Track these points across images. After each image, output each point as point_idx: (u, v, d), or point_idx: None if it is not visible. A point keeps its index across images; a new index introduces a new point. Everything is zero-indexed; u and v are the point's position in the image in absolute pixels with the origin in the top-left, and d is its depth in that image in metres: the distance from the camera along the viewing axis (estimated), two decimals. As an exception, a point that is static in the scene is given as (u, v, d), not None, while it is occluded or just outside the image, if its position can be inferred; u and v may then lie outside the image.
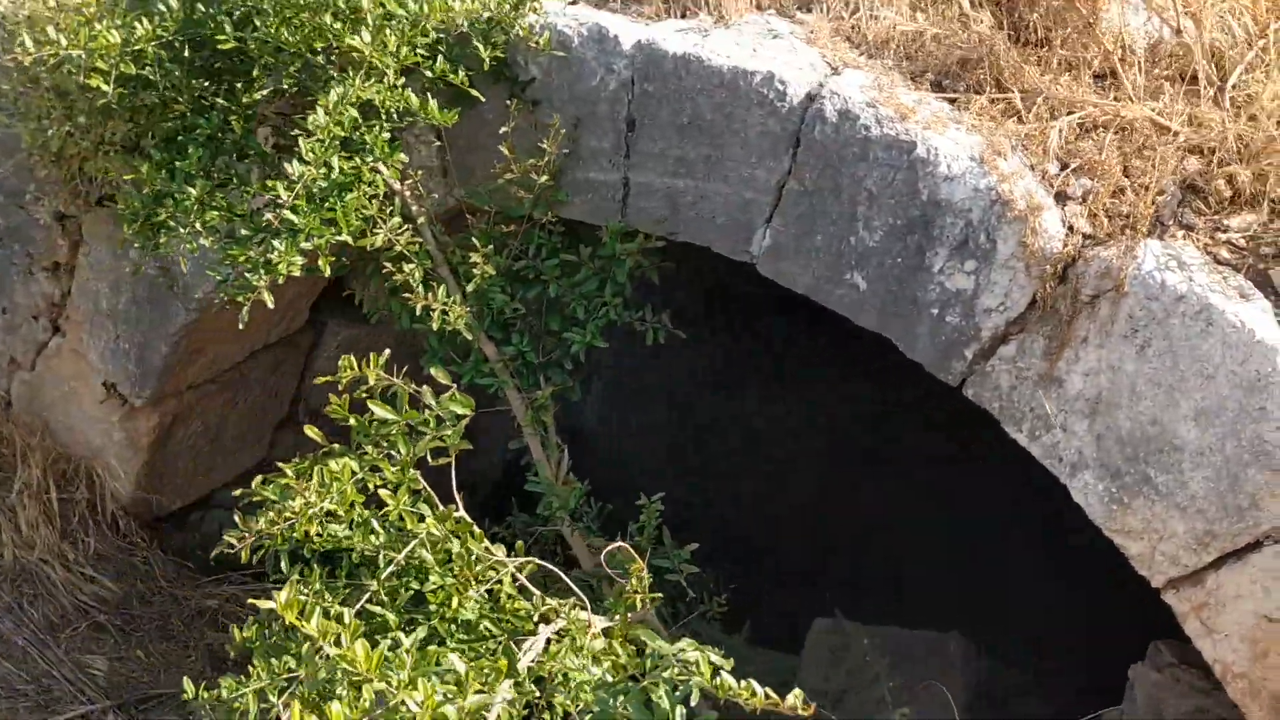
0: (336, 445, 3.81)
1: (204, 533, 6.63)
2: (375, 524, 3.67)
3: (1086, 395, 4.00)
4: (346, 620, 3.16)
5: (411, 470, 3.70)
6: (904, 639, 7.84)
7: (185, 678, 3.44)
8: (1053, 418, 4.05)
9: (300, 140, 3.98)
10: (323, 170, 3.97)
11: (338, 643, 2.81)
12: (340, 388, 3.85)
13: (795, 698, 2.49)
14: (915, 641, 7.41)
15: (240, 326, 4.24)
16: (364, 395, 3.84)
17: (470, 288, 4.47)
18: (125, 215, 4.28)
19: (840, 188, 4.15)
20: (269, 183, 3.99)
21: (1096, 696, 5.05)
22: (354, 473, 3.62)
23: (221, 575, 6.24)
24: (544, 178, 4.42)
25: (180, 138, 4.34)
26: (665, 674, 2.55)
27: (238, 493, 4.04)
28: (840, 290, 4.23)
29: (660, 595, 4.06)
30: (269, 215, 4.13)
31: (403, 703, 2.66)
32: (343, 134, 4.03)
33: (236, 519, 3.96)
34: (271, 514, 3.57)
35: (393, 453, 3.71)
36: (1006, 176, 3.98)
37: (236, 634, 3.65)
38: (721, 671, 2.55)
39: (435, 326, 4.40)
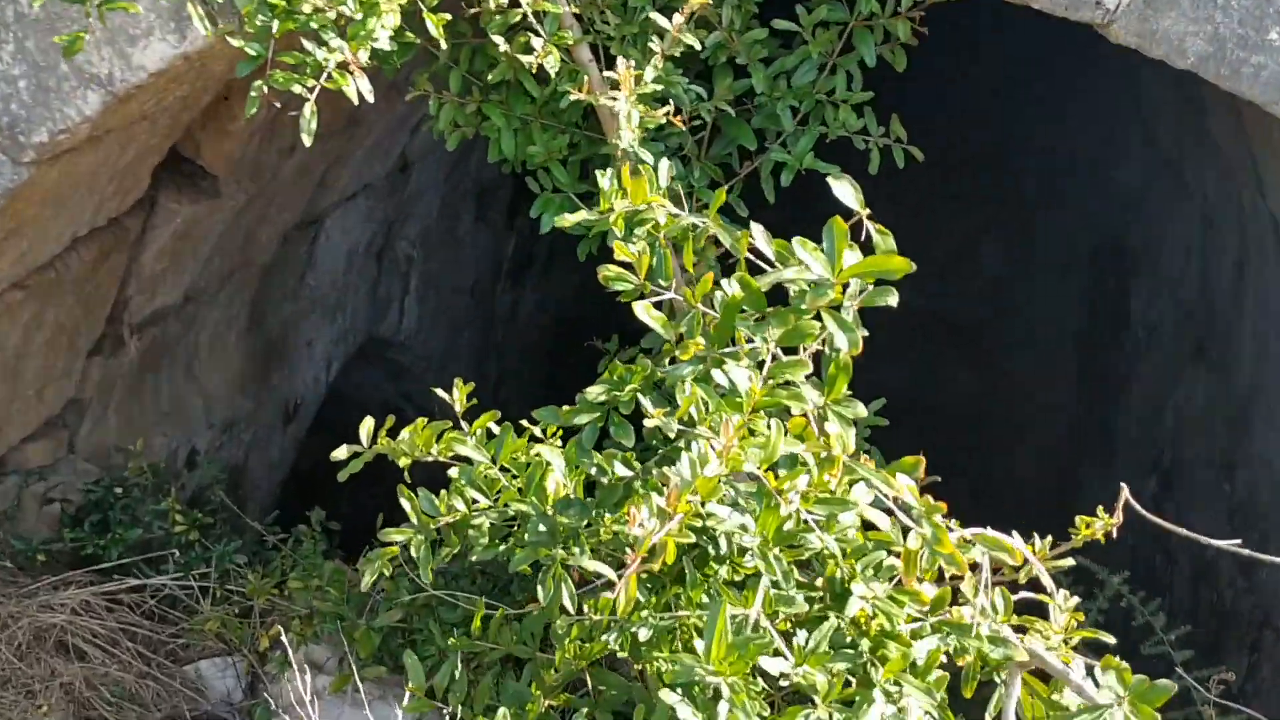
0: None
1: (3, 509, 4.21)
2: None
3: None
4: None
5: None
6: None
7: None
8: None
9: None
10: None
11: None
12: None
13: None
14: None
15: (306, 139, 2.08)
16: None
17: (650, 75, 2.45)
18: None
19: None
20: None
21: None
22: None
23: (57, 576, 3.89)
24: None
25: None
26: None
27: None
28: (1256, 59, 2.57)
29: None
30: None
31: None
32: None
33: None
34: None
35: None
36: None
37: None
38: None
39: (624, 143, 2.37)
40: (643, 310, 1.79)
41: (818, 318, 1.70)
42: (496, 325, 8.25)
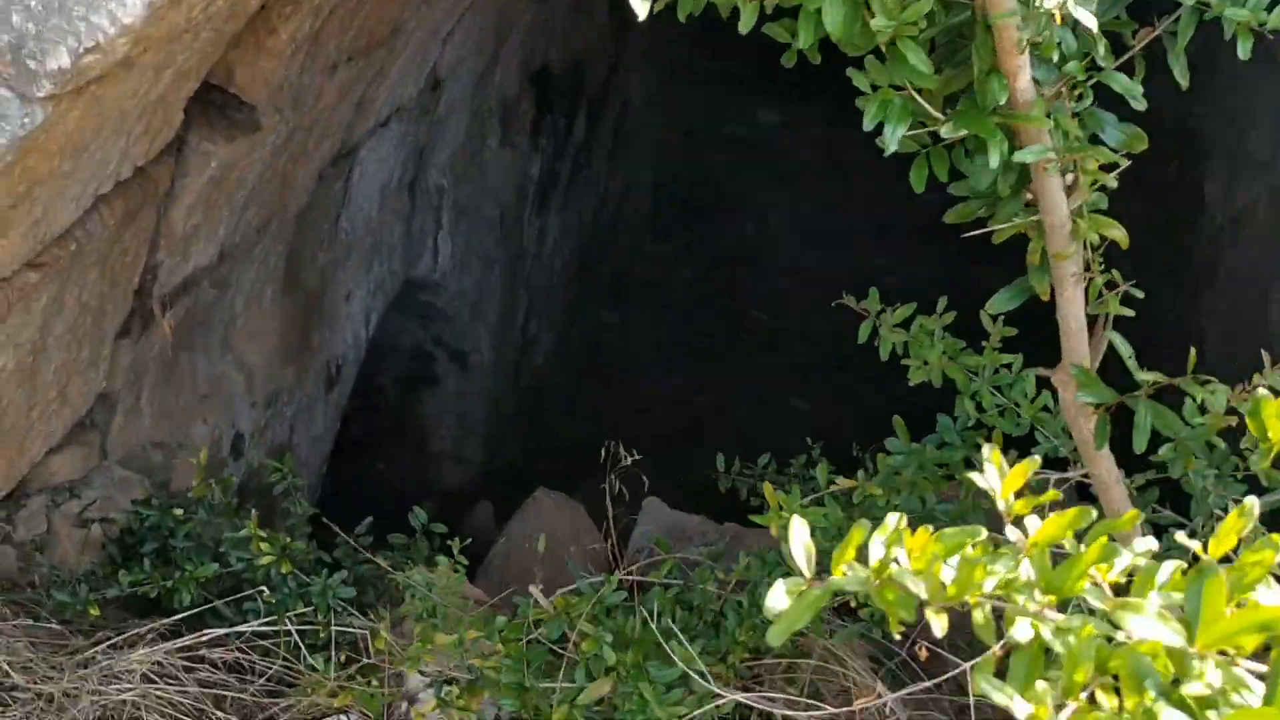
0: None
1: (31, 539, 3.26)
2: None
3: None
4: None
5: None
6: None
7: None
8: None
9: None
10: None
11: None
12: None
13: None
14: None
15: (640, 9, 1.11)
16: None
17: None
18: None
19: None
20: None
21: None
22: None
23: (118, 634, 2.93)
24: None
25: None
26: None
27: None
28: None
29: None
30: None
31: None
32: None
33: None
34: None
35: None
36: None
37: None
38: None
39: (1051, 3, 1.41)
40: None
41: None
42: (525, 257, 7.25)
